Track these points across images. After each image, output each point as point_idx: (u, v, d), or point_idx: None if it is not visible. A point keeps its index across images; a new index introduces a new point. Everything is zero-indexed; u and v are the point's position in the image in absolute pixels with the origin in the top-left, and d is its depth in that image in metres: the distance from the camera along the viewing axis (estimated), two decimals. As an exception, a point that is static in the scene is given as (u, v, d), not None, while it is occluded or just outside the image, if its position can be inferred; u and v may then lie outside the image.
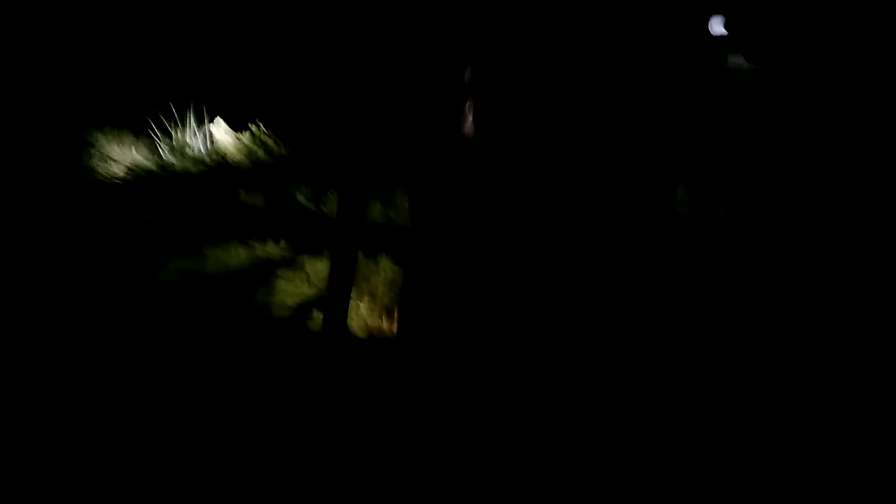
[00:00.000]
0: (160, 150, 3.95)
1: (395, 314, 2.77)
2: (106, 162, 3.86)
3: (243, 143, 4.04)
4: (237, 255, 3.33)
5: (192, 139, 3.98)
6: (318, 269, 2.94)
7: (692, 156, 2.95)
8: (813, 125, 2.89)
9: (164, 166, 3.92)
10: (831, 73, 2.84)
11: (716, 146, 3.04)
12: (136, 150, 3.94)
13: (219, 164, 4.01)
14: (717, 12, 2.56)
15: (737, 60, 2.77)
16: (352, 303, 2.71)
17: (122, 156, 3.91)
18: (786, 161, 2.98)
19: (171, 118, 4.01)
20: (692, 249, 2.58)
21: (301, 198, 3.62)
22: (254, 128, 4.04)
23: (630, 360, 2.23)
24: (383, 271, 2.98)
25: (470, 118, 2.61)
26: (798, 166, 2.95)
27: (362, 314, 2.79)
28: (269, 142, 4.04)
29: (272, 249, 3.36)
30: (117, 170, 3.85)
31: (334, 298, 2.39)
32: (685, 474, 1.75)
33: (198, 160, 3.97)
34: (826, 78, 2.85)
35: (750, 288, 2.46)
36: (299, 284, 2.99)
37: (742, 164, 3.06)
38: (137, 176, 3.84)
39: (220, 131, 4.08)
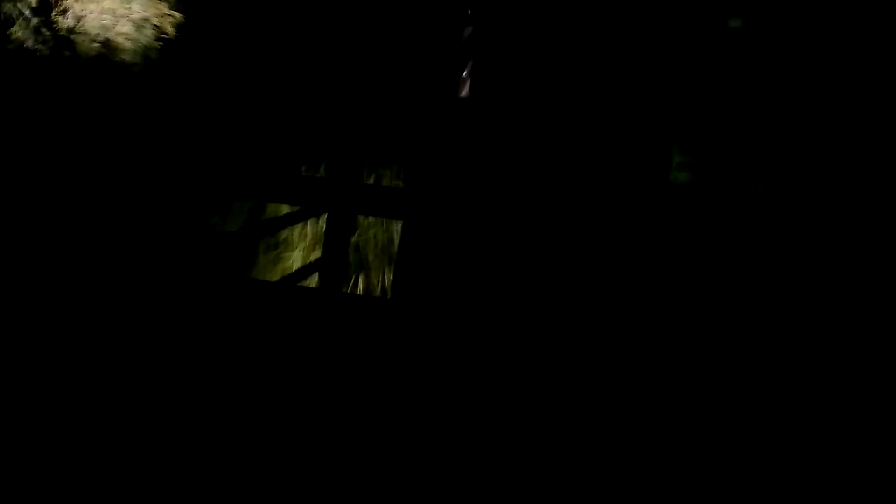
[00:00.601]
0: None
1: (391, 274, 2.82)
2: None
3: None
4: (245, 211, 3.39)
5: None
6: (318, 229, 3.00)
7: (691, 118, 2.91)
8: (816, 90, 2.84)
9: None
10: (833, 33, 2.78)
11: (718, 109, 2.99)
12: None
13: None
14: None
15: (736, 23, 2.72)
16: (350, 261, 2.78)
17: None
18: (789, 128, 2.93)
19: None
20: (687, 217, 2.54)
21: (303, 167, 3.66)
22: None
23: (615, 327, 2.26)
24: (379, 232, 3.03)
25: (468, 81, 2.62)
26: (802, 134, 2.89)
27: (359, 273, 2.85)
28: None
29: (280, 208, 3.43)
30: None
31: (331, 258, 2.45)
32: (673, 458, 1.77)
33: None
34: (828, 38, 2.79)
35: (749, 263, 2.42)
36: (300, 244, 3.06)
37: (747, 130, 3.00)
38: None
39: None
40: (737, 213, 2.60)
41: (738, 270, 2.33)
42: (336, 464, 1.75)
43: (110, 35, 3.85)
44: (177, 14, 4.07)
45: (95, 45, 3.81)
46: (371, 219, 3.02)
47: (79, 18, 3.75)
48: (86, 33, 3.77)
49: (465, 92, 2.56)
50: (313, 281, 2.70)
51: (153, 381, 1.96)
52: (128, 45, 3.89)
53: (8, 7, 3.55)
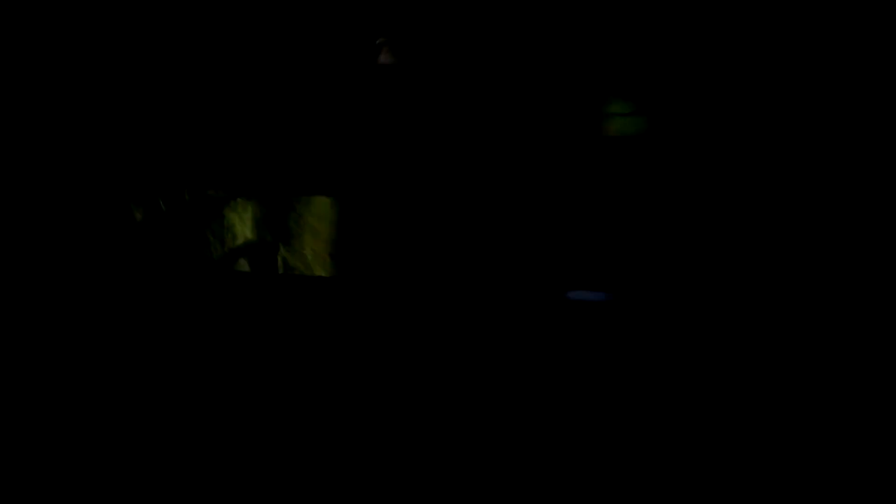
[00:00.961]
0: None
1: (329, 252, 2.78)
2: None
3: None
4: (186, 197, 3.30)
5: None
6: (252, 210, 2.93)
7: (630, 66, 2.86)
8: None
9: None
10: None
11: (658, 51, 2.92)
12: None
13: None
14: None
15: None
16: (291, 241, 2.72)
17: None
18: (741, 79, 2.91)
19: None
20: (628, 171, 2.51)
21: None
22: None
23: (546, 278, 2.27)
24: (316, 211, 2.97)
25: (385, 49, 2.55)
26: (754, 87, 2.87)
27: (296, 253, 2.80)
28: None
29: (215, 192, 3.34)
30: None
31: (265, 239, 2.40)
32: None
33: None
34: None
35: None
36: (237, 225, 3.00)
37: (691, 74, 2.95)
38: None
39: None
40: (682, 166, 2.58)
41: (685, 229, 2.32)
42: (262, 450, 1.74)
43: None
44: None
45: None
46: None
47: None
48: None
49: (385, 58, 2.50)
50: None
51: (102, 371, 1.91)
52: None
53: None
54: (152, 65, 3.39)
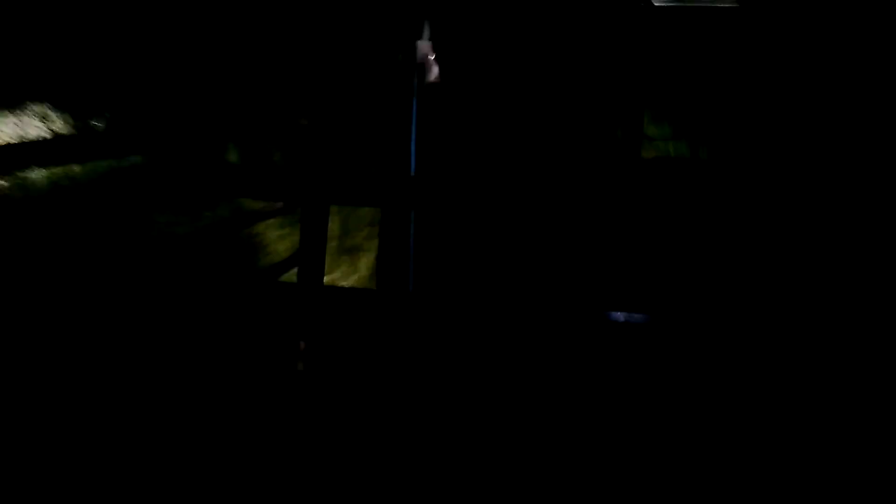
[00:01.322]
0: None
1: (373, 264, 2.83)
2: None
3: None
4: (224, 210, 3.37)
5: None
6: (294, 223, 2.99)
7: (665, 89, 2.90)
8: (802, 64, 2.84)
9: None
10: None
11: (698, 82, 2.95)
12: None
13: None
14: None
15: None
16: (329, 253, 2.77)
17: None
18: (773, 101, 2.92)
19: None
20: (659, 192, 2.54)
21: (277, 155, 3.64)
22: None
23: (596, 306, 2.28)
24: (359, 221, 3.03)
25: (435, 68, 2.61)
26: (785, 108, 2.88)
27: (340, 264, 2.86)
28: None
29: (255, 205, 3.40)
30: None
31: (309, 251, 2.44)
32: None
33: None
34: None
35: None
36: (278, 237, 3.05)
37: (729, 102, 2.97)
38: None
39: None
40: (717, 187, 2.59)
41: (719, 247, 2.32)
42: (318, 466, 1.76)
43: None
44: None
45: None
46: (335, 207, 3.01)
47: None
48: None
49: (433, 77, 2.55)
50: (293, 276, 2.70)
51: (140, 380, 1.95)
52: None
53: None
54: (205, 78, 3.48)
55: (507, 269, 2.34)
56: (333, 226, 3.09)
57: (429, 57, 2.51)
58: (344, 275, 3.14)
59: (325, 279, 2.89)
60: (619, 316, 2.19)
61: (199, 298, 2.27)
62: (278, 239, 3.25)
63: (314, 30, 2.94)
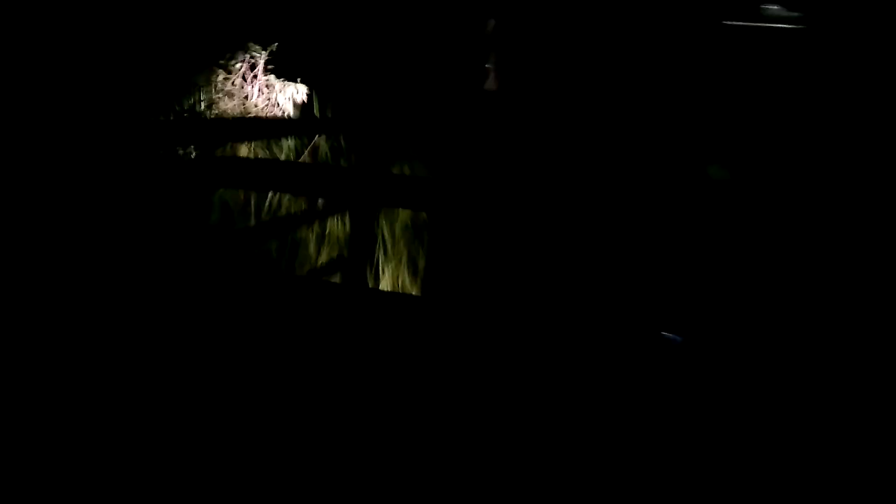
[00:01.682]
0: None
1: (420, 268, 2.79)
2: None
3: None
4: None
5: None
6: (340, 225, 2.96)
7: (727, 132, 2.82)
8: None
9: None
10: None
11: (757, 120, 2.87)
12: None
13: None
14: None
15: (774, 10, 2.63)
16: (375, 257, 2.74)
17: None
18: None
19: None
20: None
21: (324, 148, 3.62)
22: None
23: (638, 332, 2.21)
24: (405, 226, 2.99)
25: (493, 74, 2.57)
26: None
27: (385, 268, 2.82)
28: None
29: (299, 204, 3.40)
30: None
31: (355, 254, 2.42)
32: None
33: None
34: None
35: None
36: (322, 240, 3.03)
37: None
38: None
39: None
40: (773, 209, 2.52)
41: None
42: (360, 466, 1.72)
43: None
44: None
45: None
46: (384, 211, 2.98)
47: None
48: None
49: (491, 83, 2.51)
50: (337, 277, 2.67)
51: (177, 378, 1.94)
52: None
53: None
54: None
55: (563, 282, 2.28)
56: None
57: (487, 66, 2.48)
58: (386, 280, 3.11)
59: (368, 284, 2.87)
60: (676, 338, 2.12)
61: (245, 295, 2.25)
62: (316, 241, 3.24)
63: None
